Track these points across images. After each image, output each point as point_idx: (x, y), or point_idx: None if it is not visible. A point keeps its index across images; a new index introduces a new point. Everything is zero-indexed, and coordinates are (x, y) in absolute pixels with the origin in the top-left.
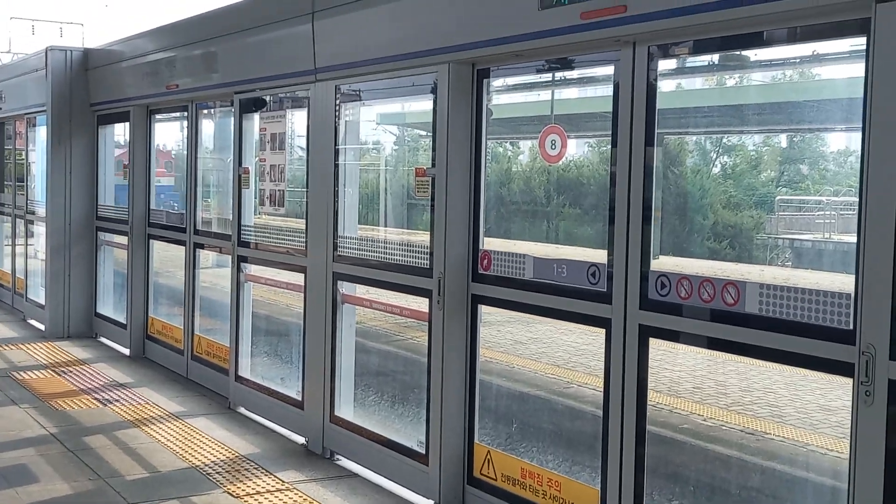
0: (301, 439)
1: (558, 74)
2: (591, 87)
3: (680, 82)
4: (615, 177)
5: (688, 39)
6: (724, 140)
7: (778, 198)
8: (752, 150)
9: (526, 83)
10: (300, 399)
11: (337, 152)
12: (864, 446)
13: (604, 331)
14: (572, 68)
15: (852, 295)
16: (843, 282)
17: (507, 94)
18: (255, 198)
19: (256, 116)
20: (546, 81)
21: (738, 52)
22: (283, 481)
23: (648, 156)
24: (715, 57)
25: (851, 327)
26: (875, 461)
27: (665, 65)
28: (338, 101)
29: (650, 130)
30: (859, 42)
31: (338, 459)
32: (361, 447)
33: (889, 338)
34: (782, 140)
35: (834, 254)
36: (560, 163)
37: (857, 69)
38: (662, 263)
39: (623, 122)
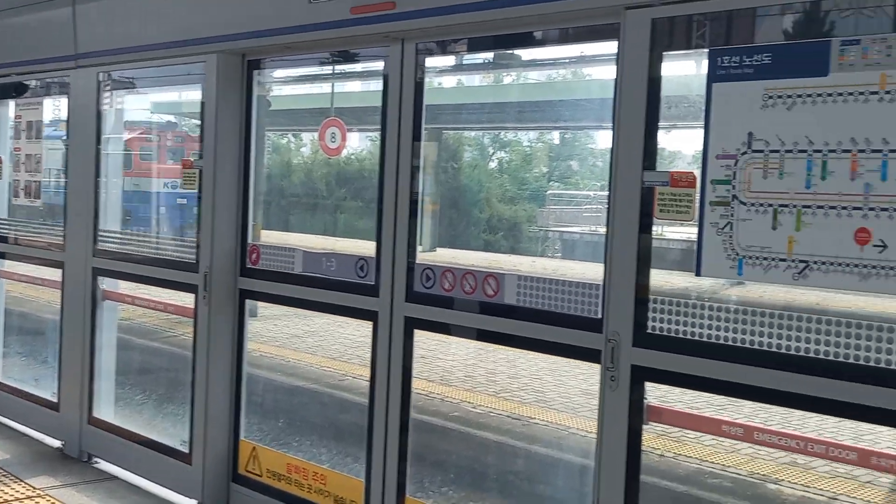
0: (57, 443)
1: (337, 68)
2: (372, 81)
3: (460, 79)
4: (384, 170)
5: (458, 37)
6: (501, 136)
7: (549, 192)
8: (526, 146)
9: (306, 75)
10: (56, 401)
11: (100, 141)
12: (609, 427)
13: (372, 323)
14: (351, 62)
15: (601, 285)
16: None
17: (289, 86)
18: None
19: (13, 103)
20: (326, 74)
21: (510, 52)
22: (35, 488)
23: (416, 150)
24: (489, 55)
25: (600, 316)
26: (618, 440)
27: (436, 61)
28: (105, 89)
29: (417, 125)
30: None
31: (96, 463)
32: (122, 449)
33: (632, 325)
34: (555, 137)
35: (598, 245)
36: (341, 155)
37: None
38: (440, 256)
39: (392, 116)
